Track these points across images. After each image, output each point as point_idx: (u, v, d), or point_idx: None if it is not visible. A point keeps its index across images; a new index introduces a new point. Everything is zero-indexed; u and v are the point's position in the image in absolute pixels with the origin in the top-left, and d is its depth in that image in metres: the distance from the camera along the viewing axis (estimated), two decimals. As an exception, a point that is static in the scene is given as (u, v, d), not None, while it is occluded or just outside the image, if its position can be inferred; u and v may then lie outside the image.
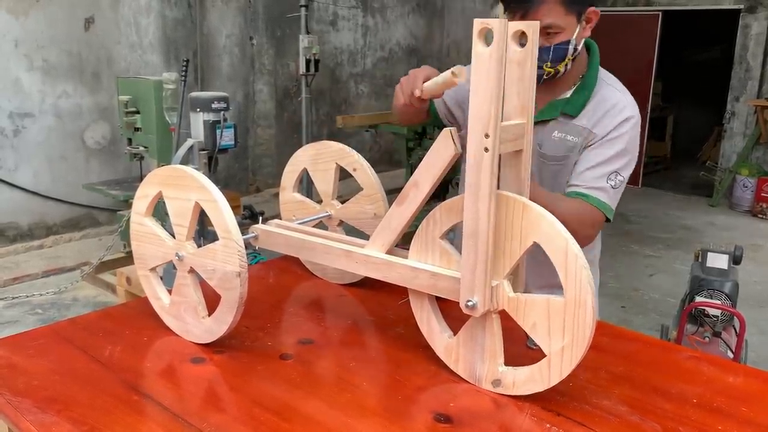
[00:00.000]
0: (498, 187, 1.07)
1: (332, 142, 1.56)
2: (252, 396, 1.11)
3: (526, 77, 1.09)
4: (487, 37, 1.00)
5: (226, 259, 1.19)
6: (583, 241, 1.38)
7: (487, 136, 1.02)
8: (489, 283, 1.08)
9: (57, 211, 5.09)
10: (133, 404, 1.09)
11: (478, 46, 1.00)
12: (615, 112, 1.51)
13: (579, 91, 1.54)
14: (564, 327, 1.03)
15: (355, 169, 1.52)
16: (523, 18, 1.41)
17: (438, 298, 1.22)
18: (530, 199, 1.17)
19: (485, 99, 1.02)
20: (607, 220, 1.50)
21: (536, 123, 1.50)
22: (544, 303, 1.05)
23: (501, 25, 0.98)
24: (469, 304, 1.09)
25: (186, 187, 1.25)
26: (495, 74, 1.00)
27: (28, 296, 4.09)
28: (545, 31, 1.42)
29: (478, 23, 0.99)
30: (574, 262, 1.01)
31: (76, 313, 3.77)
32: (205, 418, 1.04)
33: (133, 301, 1.48)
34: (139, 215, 1.36)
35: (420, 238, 1.19)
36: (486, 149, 1.03)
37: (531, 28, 1.07)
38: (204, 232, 2.75)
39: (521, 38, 1.08)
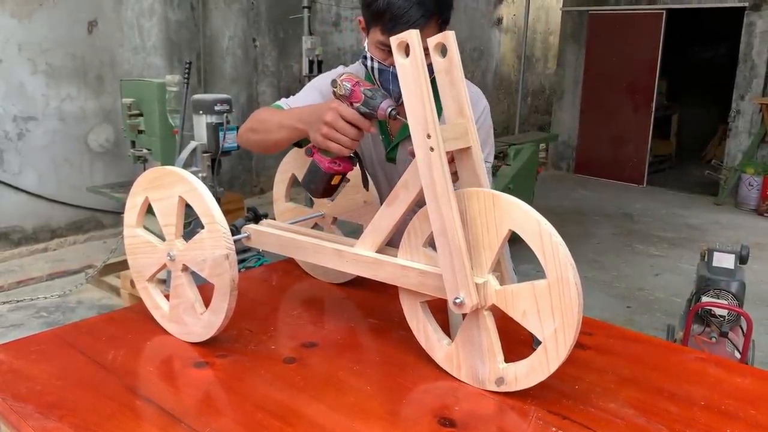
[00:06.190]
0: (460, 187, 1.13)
1: None
2: (255, 400, 1.10)
3: (456, 82, 1.15)
4: (406, 49, 1.08)
5: (213, 245, 1.20)
6: None
7: (429, 136, 1.08)
8: (472, 277, 1.09)
9: (61, 214, 5.10)
10: (136, 409, 1.08)
11: (399, 59, 1.09)
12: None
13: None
14: (552, 308, 1.03)
15: None
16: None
17: (432, 306, 1.22)
18: None
19: (417, 103, 1.08)
20: None
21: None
22: (530, 289, 1.06)
23: (415, 36, 1.07)
24: (457, 301, 1.10)
25: (168, 184, 1.27)
26: (419, 79, 1.07)
27: (32, 299, 4.10)
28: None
29: (394, 40, 1.09)
30: (549, 242, 1.02)
31: (81, 315, 3.77)
32: (208, 423, 1.04)
33: (136, 304, 1.48)
34: (131, 228, 1.38)
35: (404, 249, 1.22)
36: (432, 149, 1.08)
37: (448, 37, 1.13)
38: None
39: (442, 49, 1.14)
